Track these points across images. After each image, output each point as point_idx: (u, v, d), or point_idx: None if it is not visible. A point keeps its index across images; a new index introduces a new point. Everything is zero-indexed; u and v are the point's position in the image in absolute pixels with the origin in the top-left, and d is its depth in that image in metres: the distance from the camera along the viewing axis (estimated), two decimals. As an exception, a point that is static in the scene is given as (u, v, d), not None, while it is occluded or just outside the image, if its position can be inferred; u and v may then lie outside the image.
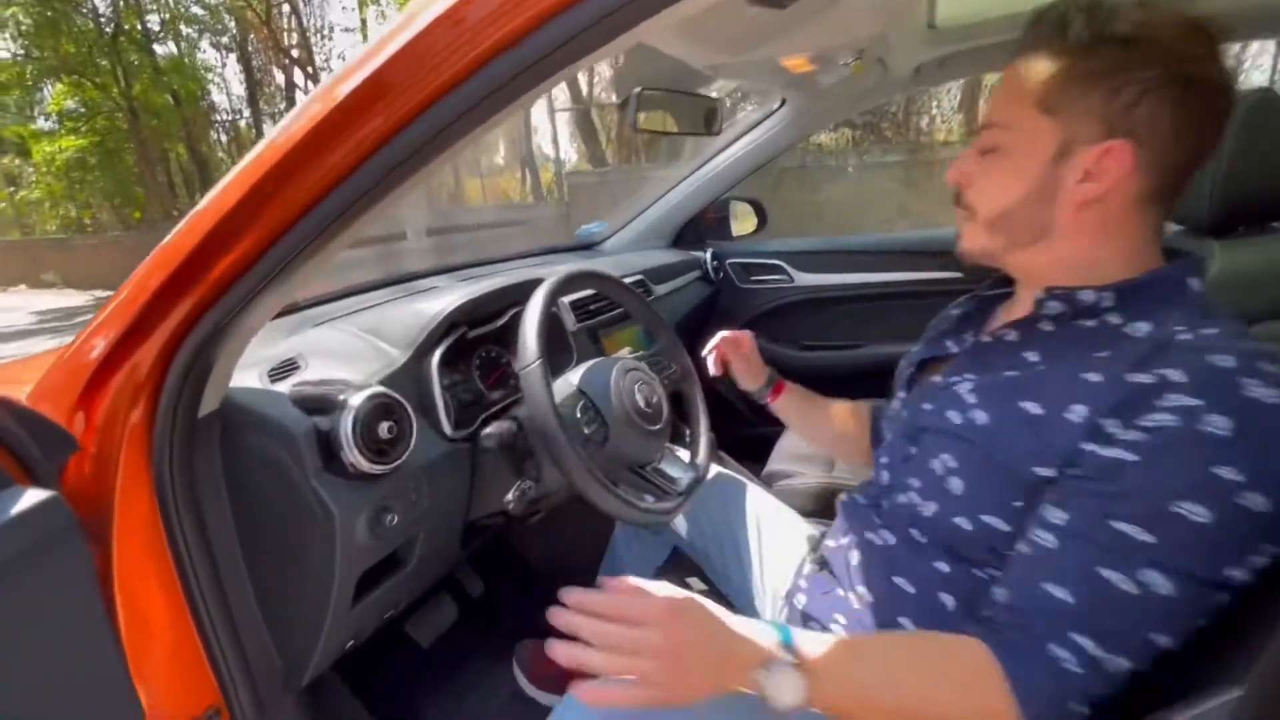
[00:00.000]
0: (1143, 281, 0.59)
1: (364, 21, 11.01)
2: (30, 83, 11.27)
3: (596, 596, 0.54)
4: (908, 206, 6.96)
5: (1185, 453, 0.48)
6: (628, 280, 1.45)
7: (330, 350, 0.86)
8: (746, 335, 1.09)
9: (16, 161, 12.66)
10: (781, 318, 1.93)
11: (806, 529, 0.99)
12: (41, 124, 12.05)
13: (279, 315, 1.10)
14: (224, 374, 0.69)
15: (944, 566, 0.66)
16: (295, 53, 11.68)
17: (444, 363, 0.92)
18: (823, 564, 0.85)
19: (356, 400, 0.70)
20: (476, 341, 1.03)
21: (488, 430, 0.77)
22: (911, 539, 0.70)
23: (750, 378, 1.08)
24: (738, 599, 0.96)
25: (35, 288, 11.82)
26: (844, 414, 1.02)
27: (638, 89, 1.05)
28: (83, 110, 11.19)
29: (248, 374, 0.76)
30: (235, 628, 0.73)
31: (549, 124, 10.28)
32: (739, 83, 1.16)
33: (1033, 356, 0.61)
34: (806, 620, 0.80)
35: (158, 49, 11.33)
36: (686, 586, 1.06)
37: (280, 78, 12.46)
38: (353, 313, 1.04)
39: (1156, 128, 0.54)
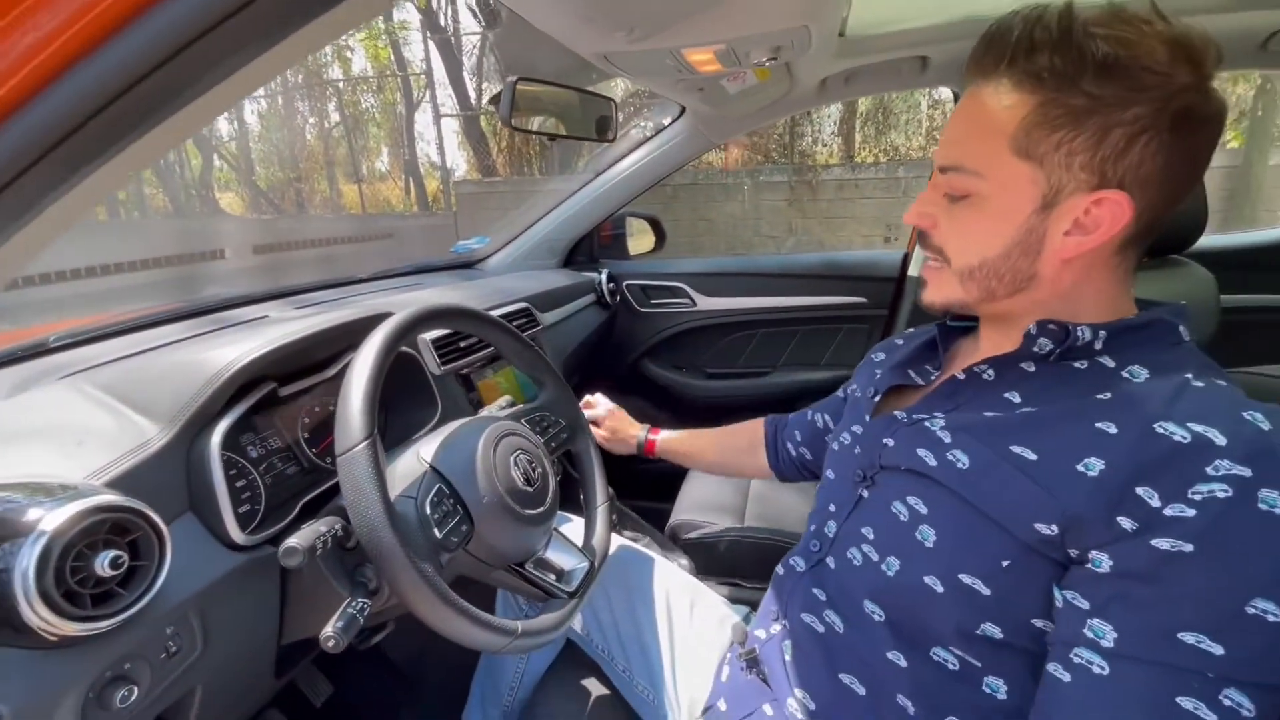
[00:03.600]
0: (1136, 323, 0.51)
1: None
2: None
3: None
4: (794, 224, 7.25)
5: (1249, 537, 0.39)
6: (509, 309, 1.24)
7: (42, 425, 0.58)
8: (595, 401, 1.10)
9: None
10: (684, 344, 1.79)
11: (730, 615, 0.83)
12: None
13: (12, 361, 0.79)
14: None
15: (898, 656, 0.54)
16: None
17: (241, 431, 0.66)
18: (750, 663, 0.69)
19: (55, 520, 0.44)
20: (300, 393, 0.78)
21: (290, 542, 0.53)
22: (865, 616, 0.57)
23: (621, 446, 1.07)
24: (644, 711, 0.78)
25: None
26: (726, 440, 1.02)
27: (512, 79, 0.85)
28: None
29: None
30: None
31: (434, 130, 9.76)
32: (636, 83, 0.99)
33: (1014, 398, 0.54)
34: None
35: None
36: (582, 691, 0.87)
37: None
38: (113, 361, 0.75)
39: (1149, 171, 0.48)
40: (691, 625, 0.80)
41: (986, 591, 0.49)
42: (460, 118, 9.58)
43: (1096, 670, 0.42)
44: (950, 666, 0.51)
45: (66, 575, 0.45)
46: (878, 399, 0.67)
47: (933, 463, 0.54)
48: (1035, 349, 0.53)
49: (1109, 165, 0.47)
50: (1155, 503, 0.41)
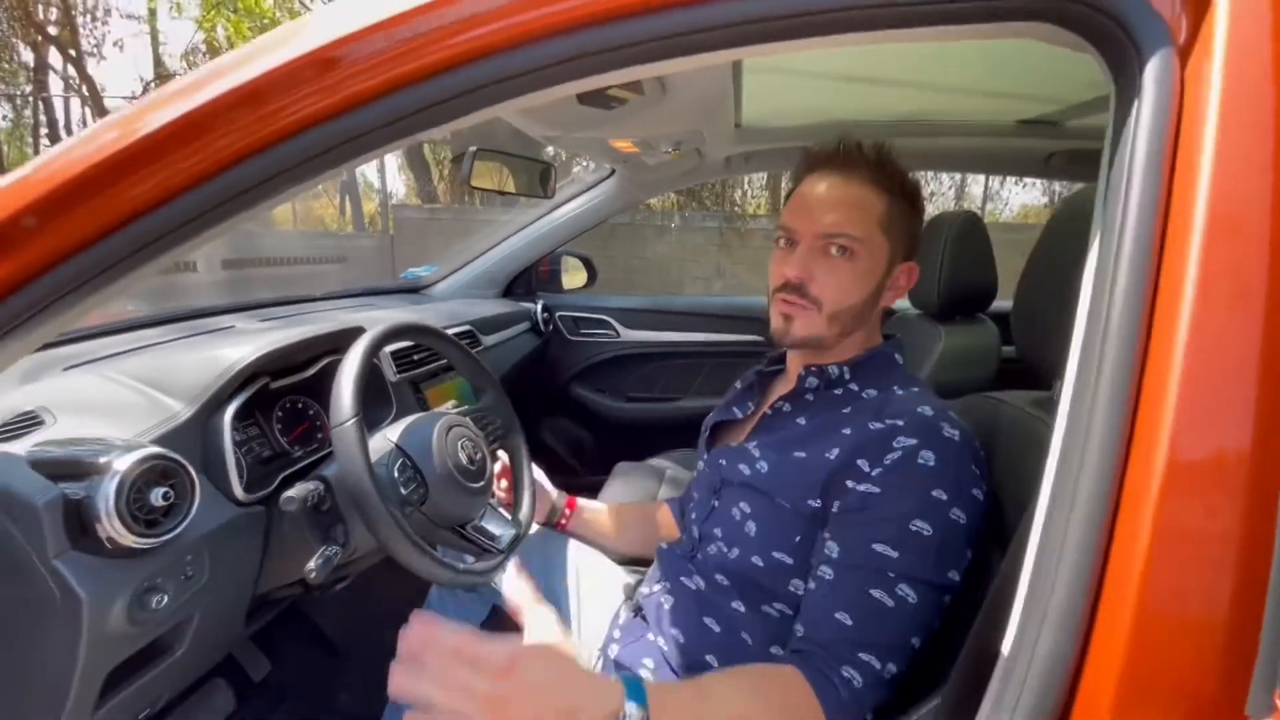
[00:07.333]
0: (867, 358, 0.78)
1: (153, 11, 9.57)
2: None
3: (440, 630, 0.48)
4: (723, 267, 7.71)
5: (911, 481, 0.63)
6: (455, 330, 1.43)
7: (88, 402, 0.73)
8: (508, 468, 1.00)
9: None
10: (608, 370, 2.02)
11: (624, 578, 1.04)
12: None
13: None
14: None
15: (740, 607, 0.75)
16: (53, 30, 9.79)
17: (238, 416, 0.83)
18: (636, 610, 0.90)
19: (124, 463, 0.61)
20: (280, 391, 0.95)
21: (289, 493, 0.71)
22: (717, 583, 0.78)
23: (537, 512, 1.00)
24: (557, 655, 0.96)
25: None
26: (644, 516, 1.08)
27: (473, 148, 1.07)
28: None
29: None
30: None
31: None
32: (573, 153, 1.24)
33: (801, 421, 0.78)
34: (618, 668, 0.83)
35: None
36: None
37: (28, 55, 10.36)
38: (121, 354, 0.90)
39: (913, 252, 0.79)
40: (597, 585, 1.01)
41: (790, 561, 0.71)
42: (403, 143, 9.61)
43: (826, 576, 0.64)
44: (775, 613, 0.72)
45: (128, 504, 0.61)
46: (707, 434, 0.91)
47: (748, 472, 0.75)
48: (807, 385, 0.78)
49: (911, 246, 0.76)
50: (866, 468, 0.65)
